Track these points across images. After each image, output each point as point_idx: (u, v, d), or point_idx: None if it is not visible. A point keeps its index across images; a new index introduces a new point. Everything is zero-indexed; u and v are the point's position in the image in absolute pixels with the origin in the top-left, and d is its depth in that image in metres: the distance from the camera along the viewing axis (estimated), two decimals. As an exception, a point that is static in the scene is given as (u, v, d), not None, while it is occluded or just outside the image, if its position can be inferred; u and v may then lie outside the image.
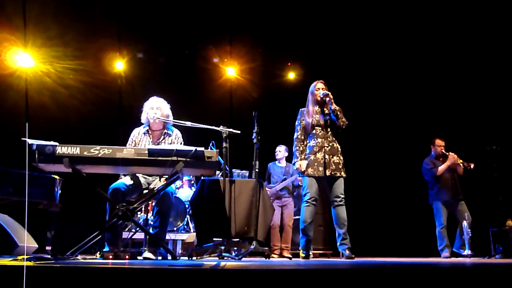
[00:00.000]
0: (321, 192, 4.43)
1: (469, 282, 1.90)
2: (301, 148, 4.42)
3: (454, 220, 5.90)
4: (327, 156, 4.28)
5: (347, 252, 4.16)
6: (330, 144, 4.33)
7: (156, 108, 3.97)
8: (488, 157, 5.95)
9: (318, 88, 4.49)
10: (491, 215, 6.09)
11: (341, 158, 4.37)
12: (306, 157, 4.37)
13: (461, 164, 5.86)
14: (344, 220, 4.23)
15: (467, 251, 5.53)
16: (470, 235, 5.57)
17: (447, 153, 5.93)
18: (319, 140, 4.33)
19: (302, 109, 4.57)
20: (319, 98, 4.45)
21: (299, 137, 4.47)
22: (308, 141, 4.44)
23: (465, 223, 5.59)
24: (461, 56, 7.32)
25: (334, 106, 4.36)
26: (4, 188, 4.87)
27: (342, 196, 4.27)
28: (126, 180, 3.73)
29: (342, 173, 4.31)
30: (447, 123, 7.29)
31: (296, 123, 4.55)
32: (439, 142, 6.09)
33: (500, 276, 1.93)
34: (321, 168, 4.25)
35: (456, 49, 7.31)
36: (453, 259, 5.24)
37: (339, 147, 4.41)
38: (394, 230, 7.38)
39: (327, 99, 4.34)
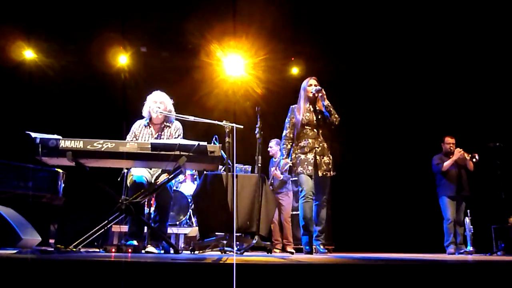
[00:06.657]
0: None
1: (471, 278, 1.90)
2: (288, 146, 4.43)
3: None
4: (318, 157, 4.28)
5: (321, 247, 4.25)
6: (321, 144, 4.32)
7: (159, 103, 3.98)
8: (491, 154, 5.94)
9: (311, 84, 4.46)
10: (493, 212, 6.08)
11: (331, 157, 4.37)
12: (296, 156, 4.35)
13: (467, 157, 5.84)
14: (323, 219, 4.31)
15: (469, 248, 5.53)
16: (472, 231, 5.57)
17: (454, 150, 5.92)
18: (310, 140, 4.31)
19: (293, 106, 4.54)
20: (311, 95, 4.41)
21: (287, 134, 4.45)
22: (298, 141, 4.41)
23: (467, 220, 5.59)
24: (466, 54, 7.29)
25: (326, 102, 4.33)
26: (8, 181, 4.88)
27: (325, 197, 4.34)
28: (143, 173, 3.75)
29: (332, 172, 4.35)
30: (450, 120, 7.27)
31: (286, 120, 4.52)
32: (448, 139, 6.08)
33: (502, 273, 1.94)
34: (310, 168, 4.24)
35: (459, 47, 7.28)
36: (456, 256, 5.24)
37: (328, 147, 4.39)
38: (399, 226, 7.38)
39: (319, 94, 4.32)
